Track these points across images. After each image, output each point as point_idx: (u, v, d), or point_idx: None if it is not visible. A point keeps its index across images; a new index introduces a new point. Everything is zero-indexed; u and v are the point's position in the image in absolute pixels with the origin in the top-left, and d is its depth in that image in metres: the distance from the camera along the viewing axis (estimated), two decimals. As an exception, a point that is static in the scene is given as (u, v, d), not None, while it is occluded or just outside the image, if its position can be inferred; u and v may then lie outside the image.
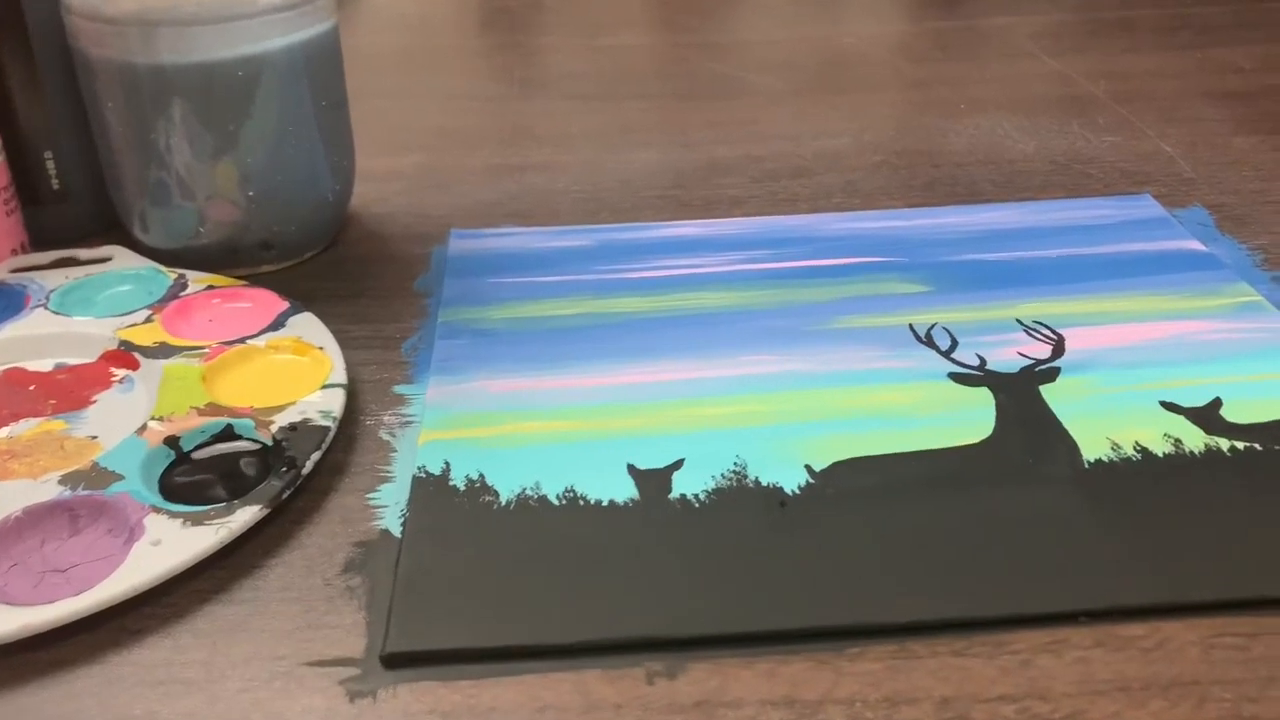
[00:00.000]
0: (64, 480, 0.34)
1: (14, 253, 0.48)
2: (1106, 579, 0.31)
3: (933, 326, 0.44)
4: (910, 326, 0.44)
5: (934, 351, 0.42)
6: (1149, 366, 0.41)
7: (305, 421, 0.37)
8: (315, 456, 0.36)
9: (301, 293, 0.46)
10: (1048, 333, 0.43)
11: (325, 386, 0.39)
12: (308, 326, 0.42)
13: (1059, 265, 0.48)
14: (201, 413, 0.37)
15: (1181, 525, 0.33)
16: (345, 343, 0.43)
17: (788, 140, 0.63)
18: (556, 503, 0.35)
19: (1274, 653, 0.29)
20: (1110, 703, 0.28)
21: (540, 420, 0.39)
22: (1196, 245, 0.49)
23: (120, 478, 0.34)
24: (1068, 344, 0.42)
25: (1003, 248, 0.50)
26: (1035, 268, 0.48)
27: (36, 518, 0.33)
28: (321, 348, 0.41)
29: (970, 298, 0.46)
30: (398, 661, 0.30)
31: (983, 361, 0.41)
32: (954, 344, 0.43)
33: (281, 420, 0.37)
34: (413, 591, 0.32)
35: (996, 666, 0.29)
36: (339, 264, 0.50)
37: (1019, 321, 0.44)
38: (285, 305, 0.44)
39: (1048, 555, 0.32)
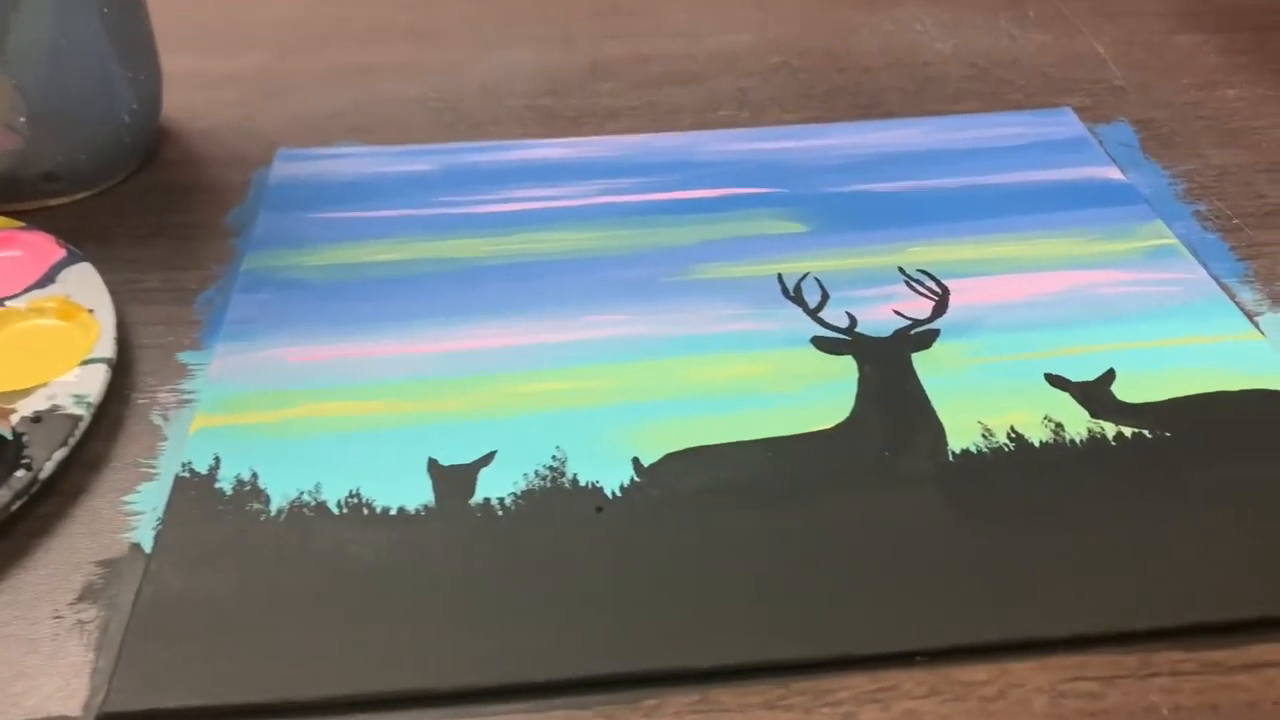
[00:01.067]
0: None
1: None
2: (952, 610, 0.27)
3: (804, 277, 0.39)
4: (779, 277, 0.39)
5: (801, 309, 0.37)
6: (1039, 329, 0.36)
7: (54, 410, 0.32)
8: (59, 455, 0.31)
9: (95, 231, 0.41)
10: (931, 285, 0.38)
11: (85, 362, 0.33)
12: (82, 281, 0.37)
13: (956, 199, 0.43)
14: (-67, 398, 0.32)
15: (1045, 540, 0.29)
16: (131, 296, 0.37)
17: (681, 38, 0.56)
18: (337, 511, 0.30)
19: (1130, 701, 0.26)
20: (936, 770, 0.25)
21: (338, 400, 0.34)
22: (1114, 173, 0.44)
23: None
24: (953, 298, 0.38)
25: (896, 175, 0.44)
26: (929, 202, 0.42)
27: None
28: (92, 310, 0.35)
29: (852, 239, 0.41)
30: (119, 722, 0.25)
31: (853, 322, 0.37)
32: (824, 299, 0.38)
33: (26, 408, 0.32)
34: (149, 630, 0.27)
35: (813, 722, 0.25)
36: (144, 194, 0.44)
37: (901, 271, 0.39)
38: (61, 254, 0.38)
39: (888, 579, 0.28)
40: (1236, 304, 0.37)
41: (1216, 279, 0.39)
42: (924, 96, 0.50)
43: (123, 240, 0.41)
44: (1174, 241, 0.40)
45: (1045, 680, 0.26)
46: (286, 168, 0.45)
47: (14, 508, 0.29)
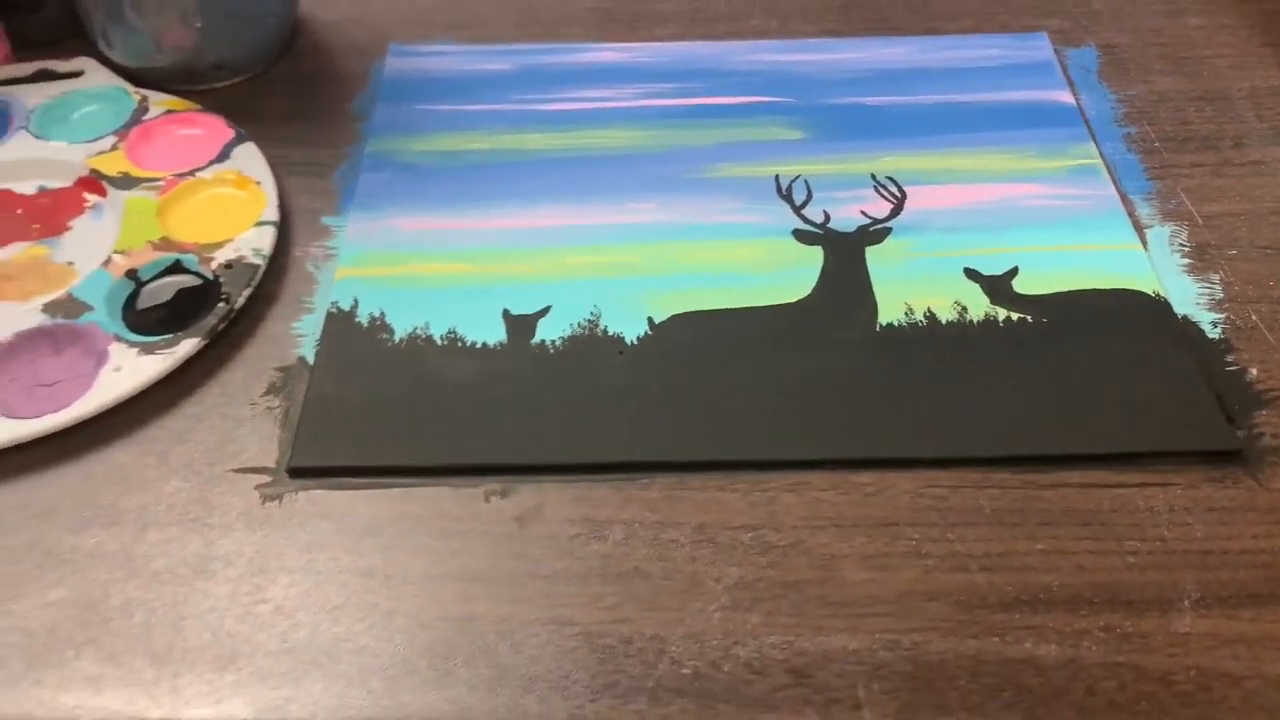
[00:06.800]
0: (46, 308, 0.43)
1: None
2: (854, 434, 0.40)
3: (795, 179, 0.50)
4: (776, 178, 0.50)
5: (788, 206, 0.48)
6: (968, 231, 0.47)
7: (240, 259, 0.45)
8: (246, 293, 0.44)
9: (249, 112, 0.53)
10: (894, 191, 0.49)
11: (259, 224, 0.46)
12: (249, 159, 0.49)
13: (930, 114, 0.53)
14: (156, 247, 0.45)
15: (932, 391, 0.41)
16: (284, 168, 0.50)
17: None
18: (440, 343, 0.43)
19: (965, 504, 0.38)
20: (825, 535, 0.38)
21: (437, 262, 0.46)
22: (1065, 97, 0.53)
23: (90, 308, 0.43)
24: (908, 203, 0.48)
25: (886, 90, 0.54)
26: (908, 116, 0.53)
27: (26, 340, 0.42)
28: (259, 182, 0.48)
29: (839, 147, 0.51)
30: (300, 473, 0.39)
31: (826, 218, 0.48)
32: (809, 198, 0.49)
33: (221, 256, 0.45)
34: (315, 416, 0.41)
35: (748, 501, 0.38)
36: (285, 80, 0.56)
37: (873, 177, 0.50)
38: (231, 134, 0.50)
39: (812, 411, 0.40)
40: (1133, 218, 0.48)
41: (1124, 195, 0.49)
42: (926, 14, 0.59)
43: (273, 121, 0.53)
44: (1096, 161, 0.50)
45: (911, 486, 0.39)
46: (398, 63, 0.56)
47: (219, 329, 0.43)
